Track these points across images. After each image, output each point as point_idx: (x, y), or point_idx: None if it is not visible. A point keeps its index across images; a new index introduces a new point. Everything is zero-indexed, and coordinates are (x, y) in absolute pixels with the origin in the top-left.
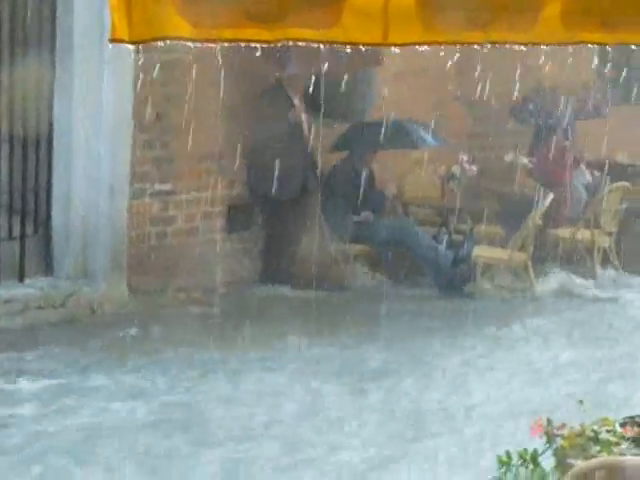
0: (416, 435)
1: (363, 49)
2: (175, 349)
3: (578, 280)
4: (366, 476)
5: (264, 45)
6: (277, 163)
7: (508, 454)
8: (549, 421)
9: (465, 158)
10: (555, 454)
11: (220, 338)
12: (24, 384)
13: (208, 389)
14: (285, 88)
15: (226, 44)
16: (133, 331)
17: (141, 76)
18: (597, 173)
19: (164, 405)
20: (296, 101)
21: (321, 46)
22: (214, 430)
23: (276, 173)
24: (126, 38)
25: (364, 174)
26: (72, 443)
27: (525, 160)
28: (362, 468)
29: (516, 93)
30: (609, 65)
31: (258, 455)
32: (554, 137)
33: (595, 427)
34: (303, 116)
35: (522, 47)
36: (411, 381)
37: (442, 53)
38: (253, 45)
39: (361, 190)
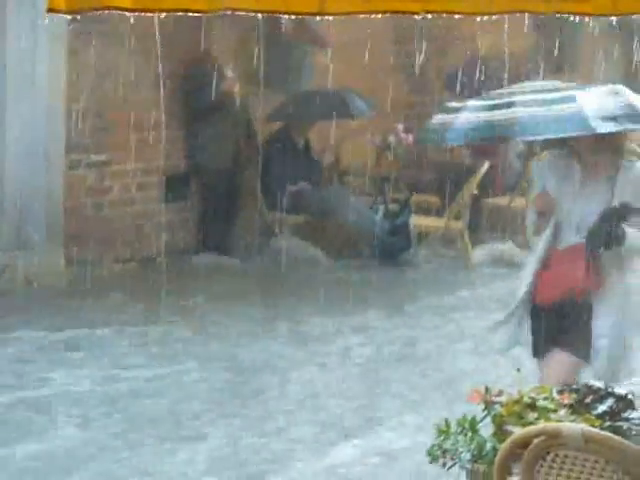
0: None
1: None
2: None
3: (514, 248)
4: None
5: (202, 15)
6: (213, 133)
7: (447, 422)
8: (487, 389)
9: (401, 127)
10: (493, 421)
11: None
12: None
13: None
14: (216, 62)
15: (164, 14)
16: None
17: (75, 45)
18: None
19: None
20: (228, 71)
21: (259, 15)
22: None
23: (212, 143)
24: (63, 8)
25: (301, 144)
26: None
27: None
28: None
29: (451, 63)
30: (543, 36)
31: None
32: None
33: (532, 394)
34: (236, 86)
35: (458, 16)
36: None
37: (379, 23)
38: (191, 15)
39: (297, 160)
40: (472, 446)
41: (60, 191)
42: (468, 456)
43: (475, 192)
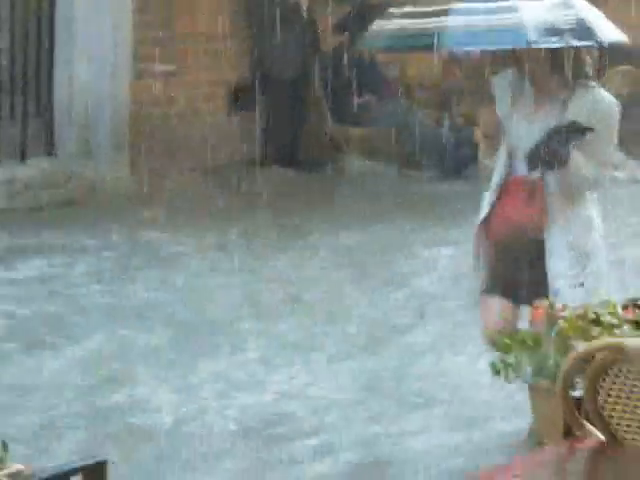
0: None
1: None
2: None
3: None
4: None
5: None
6: (280, 44)
7: (510, 336)
8: (551, 304)
9: None
10: (556, 336)
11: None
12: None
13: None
14: None
15: None
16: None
17: None
18: (599, 57)
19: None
20: None
21: None
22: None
23: (279, 54)
24: None
25: (366, 56)
26: None
27: None
28: None
29: None
30: None
31: None
32: None
33: (597, 310)
34: None
35: None
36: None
37: None
38: None
39: (363, 72)
40: (535, 360)
41: (126, 100)
42: (530, 370)
43: None
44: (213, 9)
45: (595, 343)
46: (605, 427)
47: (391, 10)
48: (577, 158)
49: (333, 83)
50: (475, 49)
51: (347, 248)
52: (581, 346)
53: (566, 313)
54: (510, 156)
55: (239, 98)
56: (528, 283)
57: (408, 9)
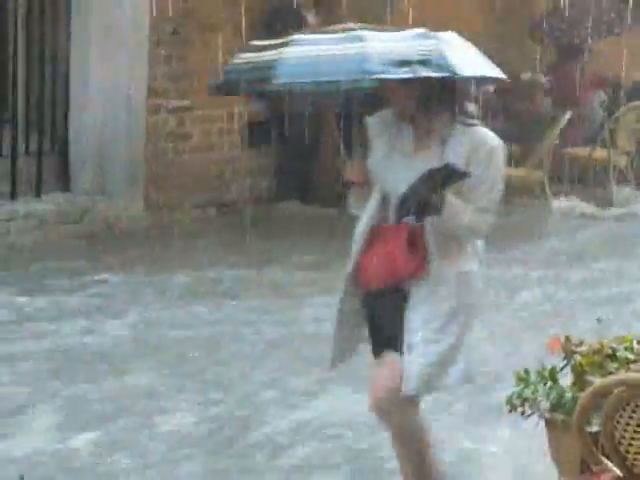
0: None
1: None
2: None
3: (593, 199)
4: None
5: None
6: None
7: (526, 371)
8: (567, 338)
9: None
10: (573, 371)
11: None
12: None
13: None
14: (299, 8)
15: None
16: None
17: None
18: (613, 92)
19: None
20: (310, 16)
21: None
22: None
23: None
24: None
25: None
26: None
27: (543, 79)
28: None
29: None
30: None
31: None
32: (572, 56)
33: (613, 344)
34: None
35: None
36: None
37: None
38: None
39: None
40: (551, 395)
41: (141, 136)
42: (547, 405)
43: (556, 142)
44: (227, 44)
45: (612, 378)
46: (622, 462)
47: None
48: (454, 204)
49: (348, 119)
50: (310, 81)
51: None
52: (598, 381)
53: (583, 348)
54: (385, 201)
55: (253, 133)
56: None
57: (265, 42)
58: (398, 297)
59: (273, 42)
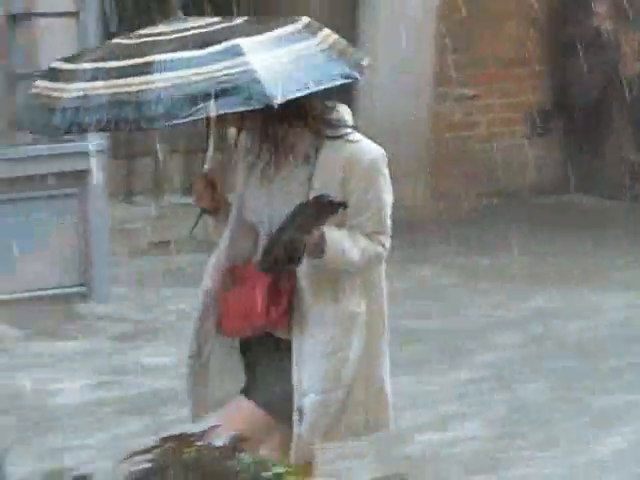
0: None
1: None
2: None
3: None
4: None
5: None
6: (581, 69)
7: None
8: None
9: None
10: None
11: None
12: None
13: None
14: None
15: None
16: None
17: None
18: None
19: None
20: (599, 6)
21: None
22: None
23: (579, 79)
24: None
25: None
26: None
27: None
28: None
29: None
30: None
31: None
32: None
33: None
34: (607, 22)
35: None
36: None
37: None
38: None
39: None
40: None
41: (426, 124)
42: None
43: None
44: (513, 34)
45: None
46: None
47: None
48: (337, 241)
49: (636, 110)
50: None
51: None
52: None
53: None
54: (247, 229)
55: (539, 123)
56: (276, 394)
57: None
58: (276, 347)
59: (131, 62)
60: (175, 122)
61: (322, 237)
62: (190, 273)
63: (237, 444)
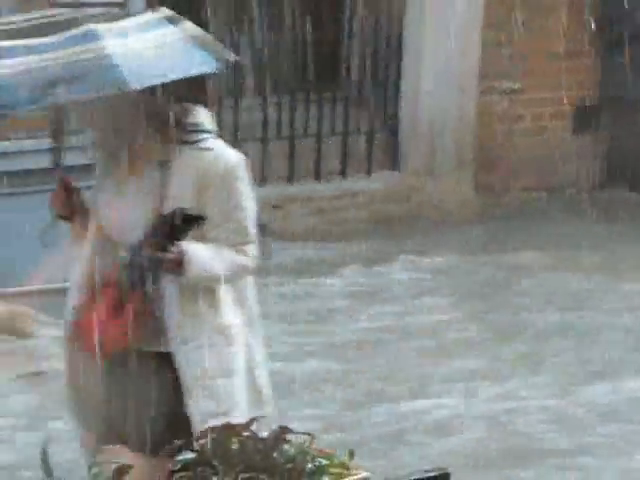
0: None
1: None
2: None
3: None
4: None
5: None
6: (629, 64)
7: None
8: None
9: None
10: None
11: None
12: None
13: None
14: None
15: None
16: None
17: None
18: None
19: None
20: None
21: None
22: None
23: (627, 74)
24: None
25: None
26: None
27: None
28: None
29: None
30: None
31: None
32: None
33: None
34: None
35: None
36: None
37: None
38: None
39: None
40: None
41: (471, 117)
42: None
43: None
44: (560, 27)
45: None
46: None
47: None
48: (199, 255)
49: None
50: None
51: None
52: None
53: None
54: (104, 244)
55: (585, 117)
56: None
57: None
58: (148, 372)
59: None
60: (20, 110)
61: (181, 254)
62: None
63: (281, 435)
